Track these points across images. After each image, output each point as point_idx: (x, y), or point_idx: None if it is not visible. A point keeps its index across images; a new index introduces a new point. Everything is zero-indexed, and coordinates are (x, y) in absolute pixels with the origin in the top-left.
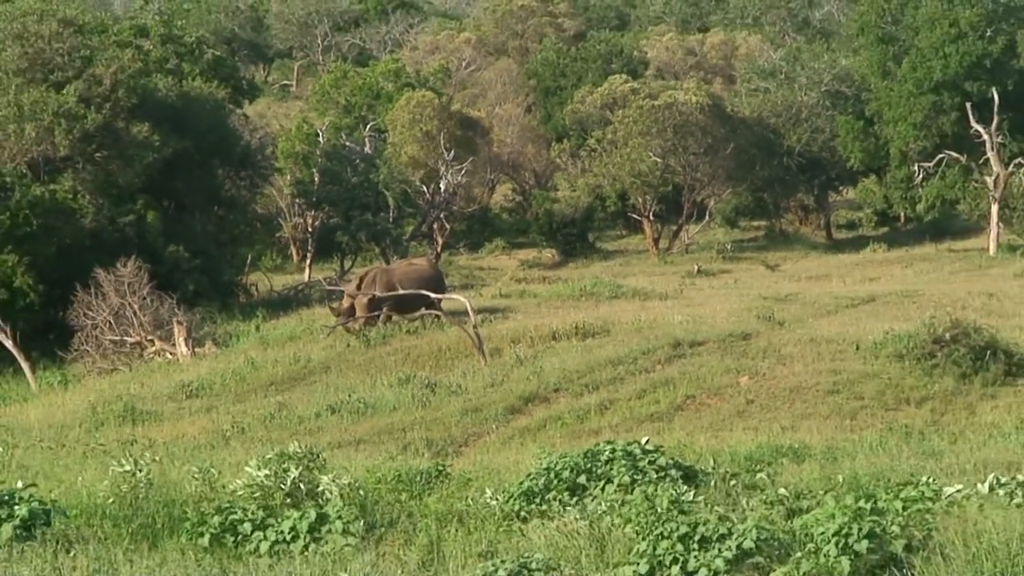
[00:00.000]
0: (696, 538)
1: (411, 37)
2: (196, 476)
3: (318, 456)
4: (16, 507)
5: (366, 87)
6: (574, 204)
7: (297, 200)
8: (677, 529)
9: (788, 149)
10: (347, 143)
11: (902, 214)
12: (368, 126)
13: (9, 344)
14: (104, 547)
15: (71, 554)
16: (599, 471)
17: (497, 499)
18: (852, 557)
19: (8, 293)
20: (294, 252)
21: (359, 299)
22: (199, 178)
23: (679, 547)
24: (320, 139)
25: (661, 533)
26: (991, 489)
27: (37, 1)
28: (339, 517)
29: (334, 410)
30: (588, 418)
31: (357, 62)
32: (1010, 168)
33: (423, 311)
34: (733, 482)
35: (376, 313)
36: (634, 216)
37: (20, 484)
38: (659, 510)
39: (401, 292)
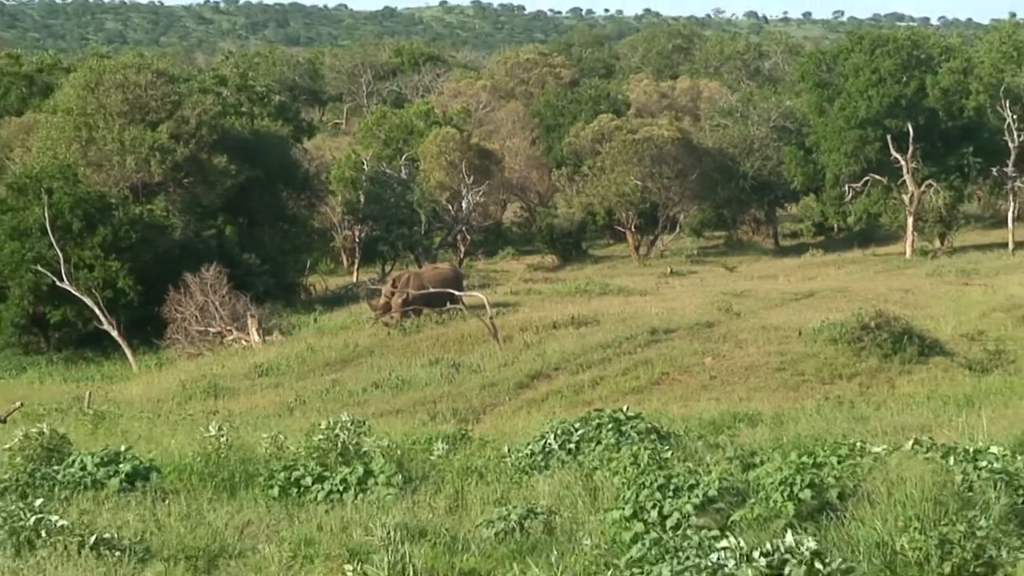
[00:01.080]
0: (670, 488)
1: (438, 84)
2: (266, 440)
3: (364, 423)
4: (121, 465)
5: (402, 125)
6: (570, 219)
7: (346, 216)
8: (655, 480)
9: (743, 173)
10: (386, 170)
11: (835, 225)
12: (403, 156)
13: (115, 334)
14: (192, 497)
15: (166, 503)
16: (591, 434)
17: (509, 457)
18: (796, 502)
19: (113, 292)
20: (344, 258)
21: (394, 298)
22: (267, 199)
23: (657, 495)
24: (365, 167)
25: (642, 484)
26: (912, 448)
27: (135, 55)
28: (382, 472)
29: (377, 386)
30: (582, 391)
31: (394, 104)
32: (922, 188)
33: (448, 306)
34: (699, 442)
35: (410, 308)
36: (619, 228)
37: (124, 447)
38: (640, 465)
39: (429, 291)
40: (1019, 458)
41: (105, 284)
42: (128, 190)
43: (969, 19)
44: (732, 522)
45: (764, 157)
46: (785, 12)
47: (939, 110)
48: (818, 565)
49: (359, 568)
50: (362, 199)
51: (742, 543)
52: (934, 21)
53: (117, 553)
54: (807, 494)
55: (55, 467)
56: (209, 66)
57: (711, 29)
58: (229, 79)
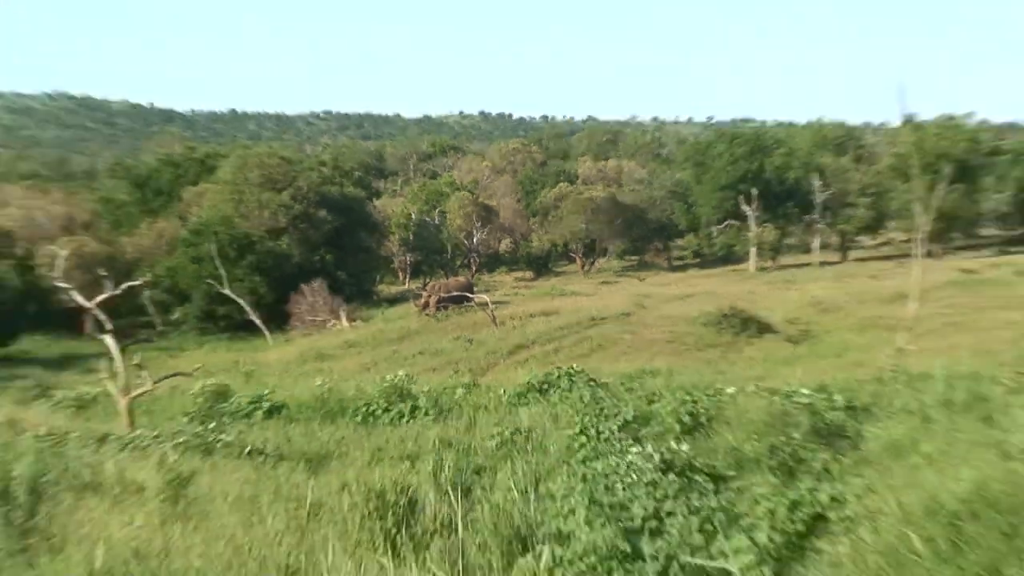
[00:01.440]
0: (603, 415)
1: (458, 165)
2: (353, 387)
3: (413, 377)
4: (264, 403)
5: (435, 191)
6: (541, 249)
7: (401, 248)
8: (593, 411)
9: (649, 220)
10: (426, 219)
11: (707, 252)
12: (437, 210)
13: (258, 322)
14: (308, 422)
15: (291, 425)
16: (554, 383)
17: (504, 397)
18: (680, 424)
19: (256, 296)
20: (400, 274)
21: (432, 299)
22: (352, 238)
23: (594, 419)
24: (412, 218)
25: (585, 413)
26: (753, 390)
27: (267, 147)
28: (424, 407)
29: (422, 353)
30: (549, 356)
31: (430, 177)
32: (760, 228)
33: (464, 304)
34: (621, 387)
35: (441, 304)
36: (571, 254)
37: (265, 392)
38: (584, 401)
39: (452, 294)
40: (818, 395)
41: (251, 291)
42: (264, 232)
43: (792, 122)
44: (640, 435)
45: (662, 210)
46: (676, 116)
47: (772, 180)
48: (694, 463)
49: (413, 466)
50: (411, 237)
51: (647, 448)
52: (770, 122)
53: (262, 457)
54: (687, 419)
55: (222, 404)
56: (314, 154)
57: (630, 128)
58: (327, 162)
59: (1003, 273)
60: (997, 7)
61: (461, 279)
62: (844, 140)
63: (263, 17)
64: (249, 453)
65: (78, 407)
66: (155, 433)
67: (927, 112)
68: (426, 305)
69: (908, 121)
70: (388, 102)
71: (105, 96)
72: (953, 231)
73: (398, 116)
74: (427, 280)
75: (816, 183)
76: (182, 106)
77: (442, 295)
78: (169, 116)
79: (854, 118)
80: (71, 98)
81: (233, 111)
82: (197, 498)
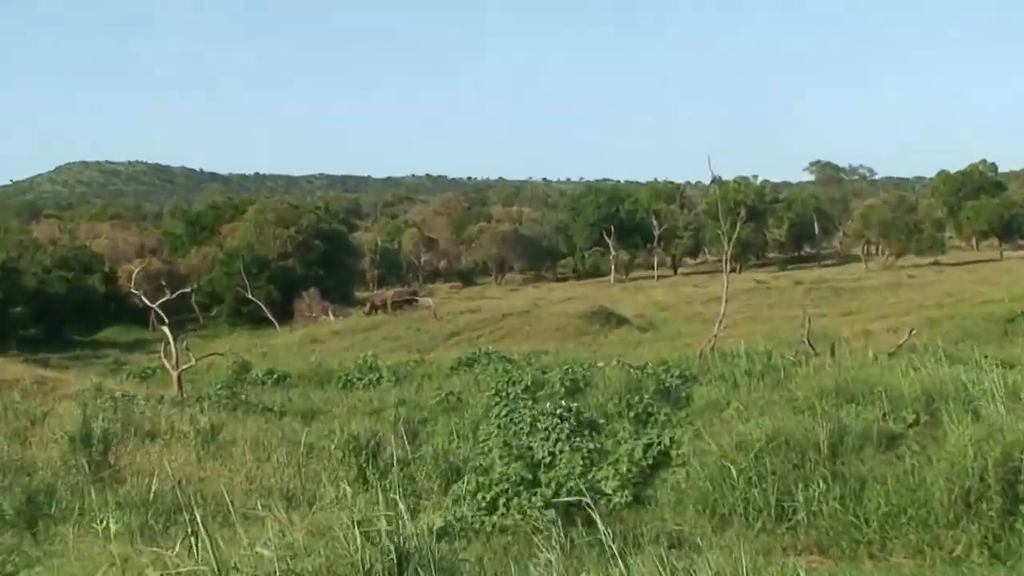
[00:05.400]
0: (512, 382)
1: (411, 209)
2: (336, 361)
3: (378, 355)
4: (274, 374)
5: (395, 227)
6: (469, 267)
7: (371, 265)
8: (506, 379)
9: (542, 246)
10: (388, 247)
11: (581, 268)
12: (395, 240)
13: (271, 318)
14: (304, 388)
15: (293, 390)
16: (478, 359)
17: (443, 369)
18: (564, 388)
19: (270, 300)
20: (371, 284)
21: (376, 305)
22: (337, 259)
23: (505, 385)
24: (379, 245)
25: (499, 380)
26: (615, 364)
27: (279, 198)
28: (386, 376)
29: (385, 338)
30: (473, 341)
31: (392, 217)
32: (618, 252)
33: (413, 304)
34: (524, 362)
35: (397, 304)
36: (489, 270)
37: (275, 366)
38: (499, 372)
39: (405, 298)
40: (659, 368)
41: (266, 296)
42: (276, 255)
43: (638, 180)
44: (538, 396)
45: (551, 239)
46: (559, 177)
47: (625, 219)
48: (578, 416)
49: (378, 417)
50: (378, 258)
51: (545, 406)
52: (623, 180)
53: (269, 412)
54: (569, 384)
55: (244, 375)
56: (312, 202)
57: (528, 184)
58: (321, 207)
59: (784, 283)
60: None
61: (409, 288)
62: (673, 192)
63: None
64: (262, 409)
65: (143, 377)
66: (197, 396)
67: (728, 172)
68: (371, 310)
69: (715, 180)
70: (363, 165)
71: (169, 162)
72: (749, 254)
73: (370, 177)
74: (390, 287)
75: (654, 222)
76: (222, 169)
77: (395, 299)
78: (213, 176)
79: (679, 177)
80: (145, 163)
81: (256, 173)
82: (225, 442)
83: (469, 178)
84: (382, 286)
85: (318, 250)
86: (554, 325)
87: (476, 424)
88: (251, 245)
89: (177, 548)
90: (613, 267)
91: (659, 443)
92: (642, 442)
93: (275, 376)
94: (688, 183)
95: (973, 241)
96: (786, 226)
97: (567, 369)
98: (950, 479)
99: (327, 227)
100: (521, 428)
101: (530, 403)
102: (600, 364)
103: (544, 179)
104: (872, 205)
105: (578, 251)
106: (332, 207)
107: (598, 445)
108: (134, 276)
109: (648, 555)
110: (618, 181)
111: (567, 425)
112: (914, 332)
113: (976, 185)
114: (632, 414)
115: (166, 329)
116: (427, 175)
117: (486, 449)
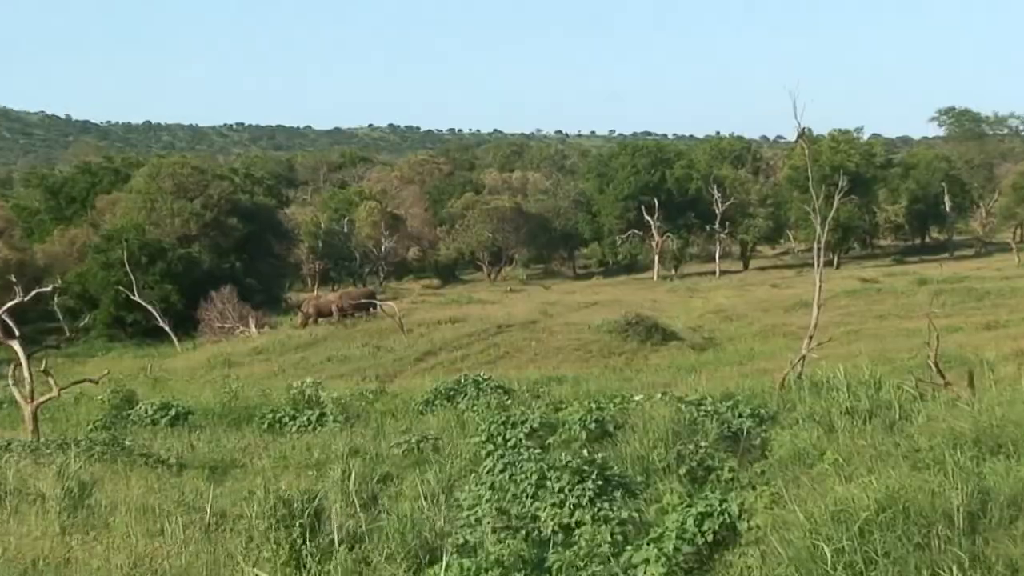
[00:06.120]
0: (510, 423)
1: (367, 175)
2: (260, 394)
3: (321, 383)
4: (170, 409)
5: (345, 199)
6: (448, 257)
7: (310, 255)
8: (500, 418)
9: (554, 229)
10: (335, 227)
11: (610, 261)
12: (345, 219)
13: (167, 329)
14: (213, 429)
15: (196, 433)
16: (461, 389)
17: (411, 404)
18: (587, 431)
19: (166, 303)
20: (309, 282)
21: (310, 313)
22: (262, 245)
23: (501, 427)
24: (321, 225)
25: (492, 420)
26: (659, 398)
27: (180, 157)
28: (331, 414)
29: (330, 360)
30: (456, 363)
31: (340, 187)
32: (663, 237)
33: (372, 311)
34: (527, 394)
35: (347, 312)
36: (478, 262)
37: (171, 398)
38: (491, 408)
39: (360, 301)
40: (724, 403)
41: (161, 298)
42: (176, 239)
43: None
44: (548, 443)
45: (567, 219)
46: (579, 130)
47: (673, 190)
48: (605, 472)
49: (320, 474)
50: (320, 245)
51: (558, 457)
52: (671, 136)
53: (163, 465)
54: (594, 426)
55: (128, 411)
56: (226, 164)
57: (534, 140)
58: (239, 171)
59: (901, 282)
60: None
61: (366, 288)
62: (742, 153)
63: (177, 29)
64: (153, 461)
65: None
66: (59, 441)
67: (821, 126)
68: (308, 318)
69: (803, 134)
70: (299, 115)
71: (23, 108)
72: (850, 241)
73: (309, 128)
74: (337, 286)
75: (716, 194)
76: (98, 117)
77: (344, 303)
78: (85, 127)
79: (751, 132)
80: None
81: (148, 122)
82: (98, 507)
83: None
84: (326, 285)
85: (235, 232)
86: (572, 342)
87: (459, 483)
88: (139, 225)
89: None
90: (657, 259)
91: (722, 512)
92: (697, 510)
93: (171, 413)
94: (764, 139)
95: None
96: (904, 201)
97: (590, 405)
98: None
99: (247, 199)
100: (524, 489)
101: (537, 453)
102: (638, 398)
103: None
104: None
105: (607, 235)
106: (255, 171)
107: (634, 514)
108: None
109: None
110: (664, 136)
111: (589, 485)
112: None
113: None
114: (683, 470)
115: (16, 345)
116: (390, 126)
117: (473, 519)
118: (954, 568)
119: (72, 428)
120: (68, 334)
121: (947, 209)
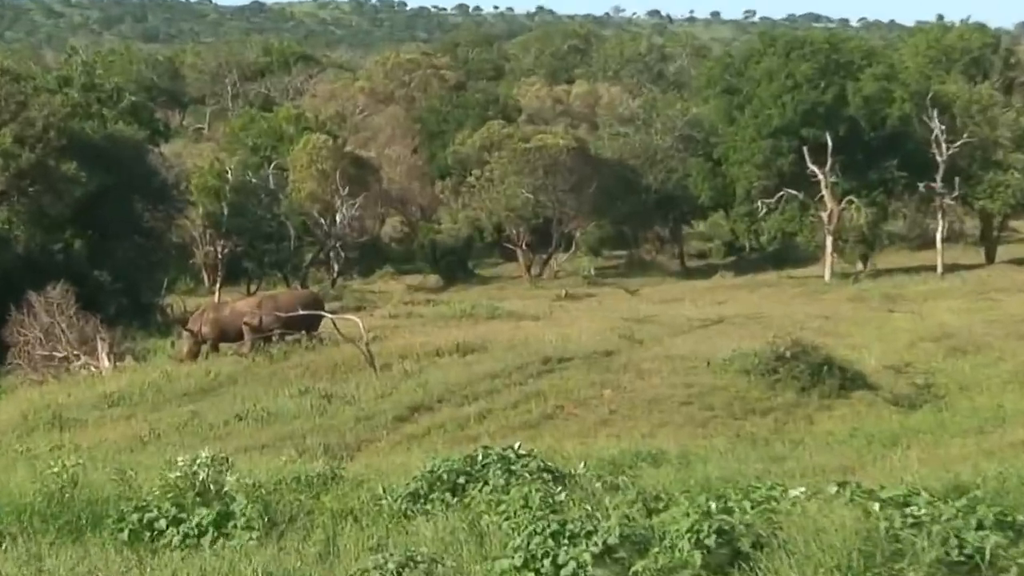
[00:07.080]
0: (565, 534)
1: (311, 86)
2: (116, 477)
3: (226, 460)
4: None
5: (270, 130)
6: (455, 235)
7: (208, 230)
8: (549, 526)
9: (645, 187)
10: (253, 180)
11: (747, 245)
12: (272, 165)
13: None
14: (32, 541)
15: (2, 548)
16: (477, 474)
17: (386, 498)
18: (704, 552)
19: None
20: (206, 276)
21: (203, 333)
22: (121, 210)
23: (550, 542)
24: (229, 176)
25: (534, 530)
26: (834, 492)
27: None
28: (244, 514)
29: (241, 418)
30: (468, 426)
31: (263, 108)
32: (842, 204)
33: (318, 335)
34: (598, 483)
35: (273, 334)
36: (509, 246)
37: None
38: (532, 508)
39: (299, 312)
40: (951, 504)
41: None
42: None
43: (892, 20)
44: (634, 573)
45: (668, 169)
46: (691, 11)
47: (860, 119)
48: None
49: None
50: (226, 211)
51: None
52: (854, 22)
53: None
54: (714, 541)
55: None
56: (58, 64)
57: (610, 29)
58: (74, 79)
59: None
60: None
61: (306, 289)
62: (984, 55)
63: None
64: None
65: None
66: None
67: None
68: (196, 349)
69: None
70: None
71: None
72: None
73: (207, 2)
74: (254, 288)
75: (938, 128)
76: None
77: (272, 315)
78: None
79: (1001, 18)
80: None
81: None
82: None
83: (461, 7)
84: (235, 284)
85: (74, 189)
86: (678, 390)
87: None
88: None
89: None
90: (830, 242)
91: None
92: None
93: None
94: (1020, 28)
95: None
96: None
97: (709, 504)
98: None
99: (96, 128)
100: None
101: None
102: (796, 492)
103: (653, 14)
104: None
105: (741, 200)
106: (109, 78)
107: None
108: None
109: None
110: (842, 22)
111: None
112: None
113: None
114: None
115: None
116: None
117: None
118: None
119: None
120: None
121: None
